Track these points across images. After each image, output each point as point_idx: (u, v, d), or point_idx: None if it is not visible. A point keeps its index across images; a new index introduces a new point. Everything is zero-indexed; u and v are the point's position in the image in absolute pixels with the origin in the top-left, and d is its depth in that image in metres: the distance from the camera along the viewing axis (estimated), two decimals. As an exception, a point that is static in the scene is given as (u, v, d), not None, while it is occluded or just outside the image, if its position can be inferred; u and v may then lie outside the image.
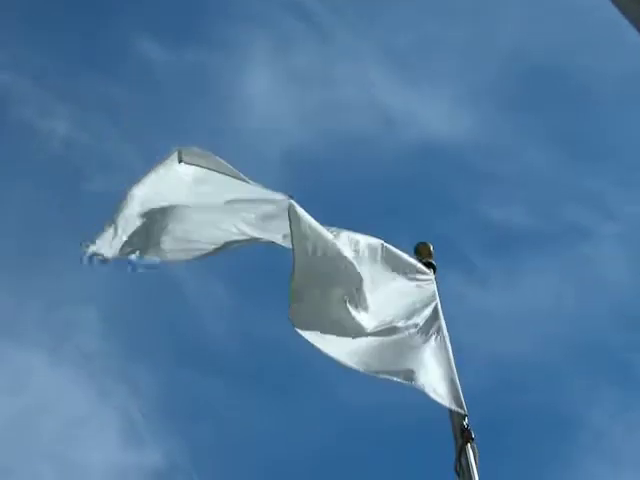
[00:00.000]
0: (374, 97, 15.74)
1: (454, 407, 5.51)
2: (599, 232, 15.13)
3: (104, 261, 5.37)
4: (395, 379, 5.45)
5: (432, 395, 5.47)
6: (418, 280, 6.17)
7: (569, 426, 13.23)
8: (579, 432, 13.30)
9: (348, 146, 14.76)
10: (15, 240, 14.25)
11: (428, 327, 5.86)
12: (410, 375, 5.46)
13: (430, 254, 6.43)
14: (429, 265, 6.36)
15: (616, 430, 13.37)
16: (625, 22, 3.46)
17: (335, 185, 14.39)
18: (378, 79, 15.58)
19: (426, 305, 6.02)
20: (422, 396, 5.48)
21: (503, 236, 14.90)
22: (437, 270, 6.37)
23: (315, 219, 5.69)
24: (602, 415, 13.57)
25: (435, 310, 6.01)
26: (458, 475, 5.35)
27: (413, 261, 6.28)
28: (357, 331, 5.58)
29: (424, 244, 6.49)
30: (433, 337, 5.80)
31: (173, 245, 5.59)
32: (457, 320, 6.02)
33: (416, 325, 5.85)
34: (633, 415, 13.25)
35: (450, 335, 5.93)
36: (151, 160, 6.18)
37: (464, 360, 5.74)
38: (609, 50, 14.47)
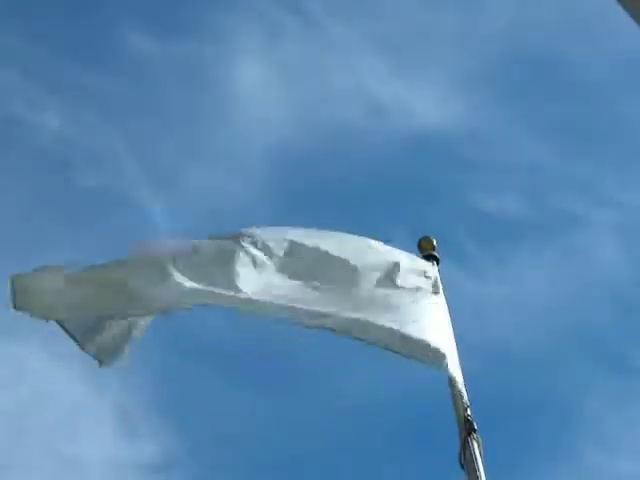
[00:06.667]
0: (364, 87, 15.72)
1: (452, 373, 5.42)
2: (593, 220, 15.14)
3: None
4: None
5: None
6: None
7: (566, 415, 13.26)
8: (576, 421, 13.34)
9: (339, 137, 14.75)
10: (7, 233, 14.22)
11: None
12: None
13: (433, 247, 6.54)
14: (433, 257, 6.47)
15: (613, 419, 13.41)
16: (618, 7, 3.46)
17: (326, 176, 14.39)
18: (368, 68, 15.57)
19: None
20: (423, 392, 5.47)
21: (497, 225, 14.91)
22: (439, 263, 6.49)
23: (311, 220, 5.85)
24: (599, 404, 13.61)
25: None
26: (463, 467, 5.31)
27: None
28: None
29: (427, 238, 6.60)
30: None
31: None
32: (451, 310, 6.03)
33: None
34: (630, 404, 13.31)
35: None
36: (145, 155, 6.13)
37: (459, 352, 5.71)
38: (601, 36, 14.48)
